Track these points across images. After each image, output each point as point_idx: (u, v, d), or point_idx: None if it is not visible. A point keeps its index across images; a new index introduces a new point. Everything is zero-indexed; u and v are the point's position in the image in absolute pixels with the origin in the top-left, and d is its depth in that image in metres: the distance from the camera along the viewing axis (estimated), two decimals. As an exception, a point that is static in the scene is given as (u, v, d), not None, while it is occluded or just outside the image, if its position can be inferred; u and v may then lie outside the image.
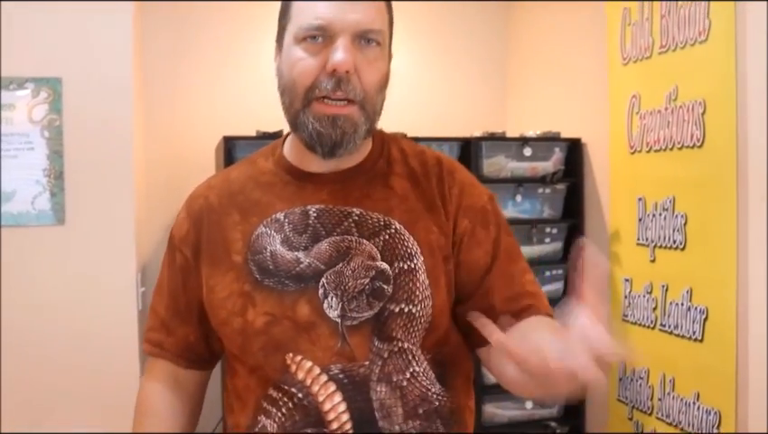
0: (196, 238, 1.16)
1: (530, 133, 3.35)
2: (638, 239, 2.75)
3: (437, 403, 1.09)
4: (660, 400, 2.63)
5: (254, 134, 3.18)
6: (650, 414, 2.69)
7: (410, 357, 1.07)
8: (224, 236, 1.13)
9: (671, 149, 2.56)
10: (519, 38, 3.84)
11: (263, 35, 3.72)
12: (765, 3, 2.22)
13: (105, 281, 2.59)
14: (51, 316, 2.53)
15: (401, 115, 3.55)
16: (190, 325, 1.18)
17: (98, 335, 2.57)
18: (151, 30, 3.56)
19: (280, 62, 1.10)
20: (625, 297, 2.83)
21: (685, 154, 2.49)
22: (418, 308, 1.07)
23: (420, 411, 1.07)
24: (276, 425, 1.08)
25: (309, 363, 1.06)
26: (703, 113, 2.40)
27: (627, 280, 2.83)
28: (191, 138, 3.63)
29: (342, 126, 1.04)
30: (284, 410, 1.08)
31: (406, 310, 1.06)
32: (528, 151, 3.17)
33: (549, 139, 3.26)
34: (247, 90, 3.71)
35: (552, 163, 3.19)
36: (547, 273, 3.11)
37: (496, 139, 3.18)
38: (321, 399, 1.06)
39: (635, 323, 2.76)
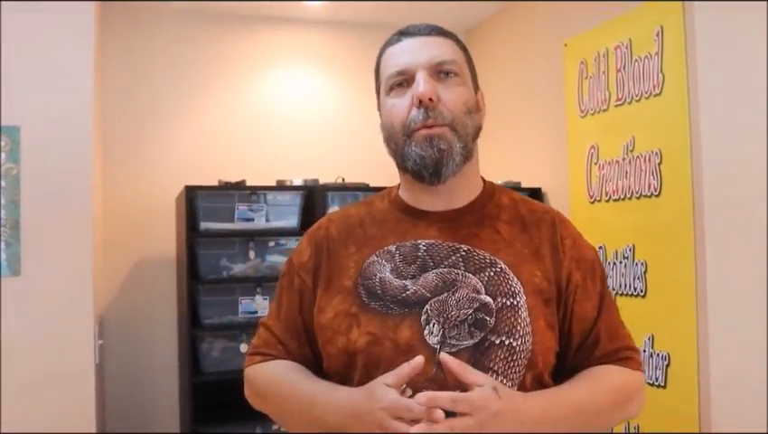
0: (316, 264, 1.24)
1: (491, 183, 3.39)
2: (599, 286, 2.79)
3: None
4: (624, 447, 2.64)
5: (216, 183, 3.18)
6: (616, 462, 2.68)
7: None
8: (340, 264, 1.21)
9: (630, 198, 2.62)
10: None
11: (226, 86, 3.76)
12: (715, 57, 2.31)
13: (62, 334, 2.51)
14: (8, 370, 2.44)
15: (363, 163, 3.61)
16: (304, 345, 1.24)
17: (55, 388, 2.48)
18: (112, 78, 3.55)
19: (381, 119, 1.24)
20: (588, 344, 2.85)
21: (643, 203, 2.55)
22: (519, 343, 1.10)
23: None
24: None
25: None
26: (660, 163, 2.47)
27: (589, 328, 2.85)
28: (150, 188, 3.59)
29: (438, 144, 1.16)
30: None
31: (506, 343, 1.10)
32: (489, 200, 3.20)
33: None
34: (208, 140, 3.71)
35: (513, 212, 3.23)
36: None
37: (458, 189, 3.21)
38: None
39: (598, 370, 2.77)
